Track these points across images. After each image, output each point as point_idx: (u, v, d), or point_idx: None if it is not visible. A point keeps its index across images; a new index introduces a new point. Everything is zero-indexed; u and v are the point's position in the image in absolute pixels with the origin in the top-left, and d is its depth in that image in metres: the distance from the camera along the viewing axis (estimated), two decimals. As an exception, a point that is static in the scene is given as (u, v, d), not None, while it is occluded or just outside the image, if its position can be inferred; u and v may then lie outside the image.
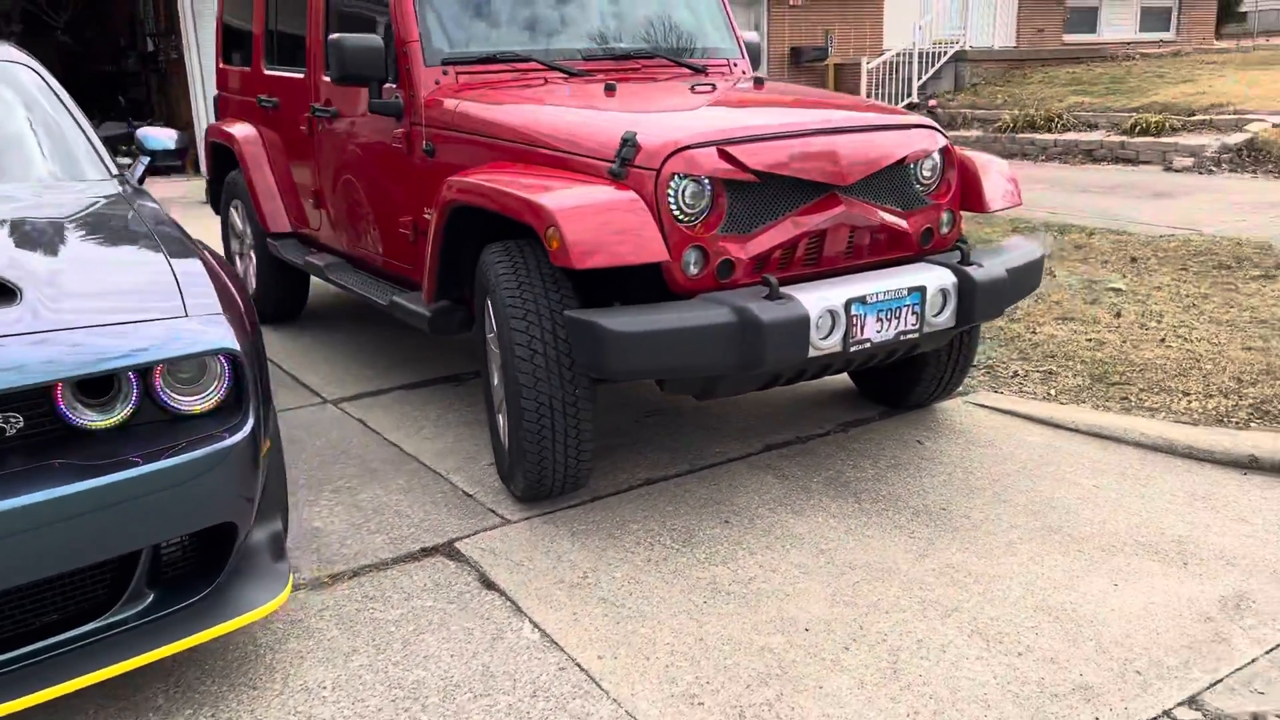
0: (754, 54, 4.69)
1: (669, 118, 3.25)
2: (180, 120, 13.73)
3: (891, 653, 2.57)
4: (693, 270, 3.03)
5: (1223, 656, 2.54)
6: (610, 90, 3.65)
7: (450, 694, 2.43)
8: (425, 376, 4.68)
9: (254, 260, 5.50)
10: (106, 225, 2.77)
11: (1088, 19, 19.66)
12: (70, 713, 2.38)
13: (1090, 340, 4.85)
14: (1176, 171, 10.67)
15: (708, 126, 3.11)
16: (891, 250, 3.38)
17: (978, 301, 3.27)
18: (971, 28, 17.13)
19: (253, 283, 5.58)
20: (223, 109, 5.90)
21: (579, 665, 2.53)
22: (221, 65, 5.89)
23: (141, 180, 3.62)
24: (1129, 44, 18.61)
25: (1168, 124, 11.57)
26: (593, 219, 2.88)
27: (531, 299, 3.07)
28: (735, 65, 4.51)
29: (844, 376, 4.44)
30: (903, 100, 15.26)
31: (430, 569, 2.97)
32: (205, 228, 6.79)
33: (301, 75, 4.79)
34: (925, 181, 3.43)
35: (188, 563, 2.34)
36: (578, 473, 3.22)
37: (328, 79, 4.47)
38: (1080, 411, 4.01)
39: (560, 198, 2.92)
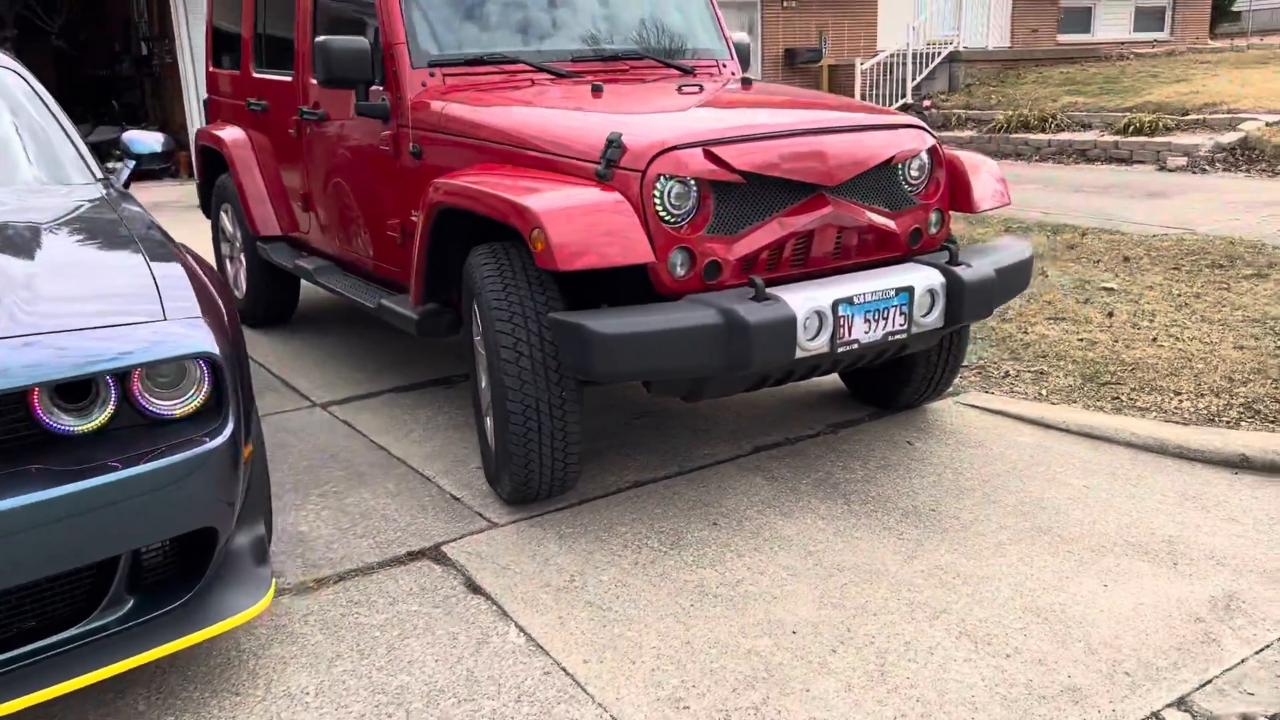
0: (743, 55, 4.68)
1: (655, 119, 3.24)
2: (174, 124, 13.72)
3: (879, 655, 2.55)
4: (679, 271, 3.01)
5: (1212, 657, 2.53)
6: (597, 91, 3.63)
7: (434, 699, 2.41)
8: (415, 379, 4.66)
9: (244, 264, 5.48)
10: (87, 229, 2.75)
11: (1082, 19, 19.69)
12: (50, 720, 2.36)
13: (1082, 340, 4.84)
14: (1170, 171, 10.67)
15: (694, 127, 3.10)
16: (880, 250, 3.36)
17: (966, 302, 3.25)
18: (965, 28, 17.14)
19: (243, 286, 5.56)
20: (213, 112, 5.89)
21: (564, 669, 2.51)
22: (211, 69, 5.88)
23: (127, 184, 3.60)
24: (1123, 44, 18.63)
25: (1161, 123, 11.58)
26: (578, 220, 2.87)
27: (517, 301, 3.05)
28: (724, 66, 4.50)
29: (834, 377, 4.43)
30: (897, 101, 15.27)
31: (416, 573, 2.95)
32: (199, 232, 6.78)
33: (290, 78, 4.77)
34: (913, 181, 3.42)
35: (168, 568, 2.32)
36: (565, 475, 3.20)
37: (315, 82, 4.46)
38: (1071, 411, 4.00)
39: (545, 199, 2.91)
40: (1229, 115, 11.39)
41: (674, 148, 2.99)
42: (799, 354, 3.00)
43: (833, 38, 16.86)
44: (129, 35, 15.18)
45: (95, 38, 16.19)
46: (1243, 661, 2.51)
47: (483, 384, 3.36)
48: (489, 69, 3.93)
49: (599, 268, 2.87)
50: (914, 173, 3.41)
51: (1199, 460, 3.60)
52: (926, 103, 15.01)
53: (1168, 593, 2.81)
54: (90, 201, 3.07)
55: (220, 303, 2.49)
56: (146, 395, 2.19)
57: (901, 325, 3.19)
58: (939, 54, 15.55)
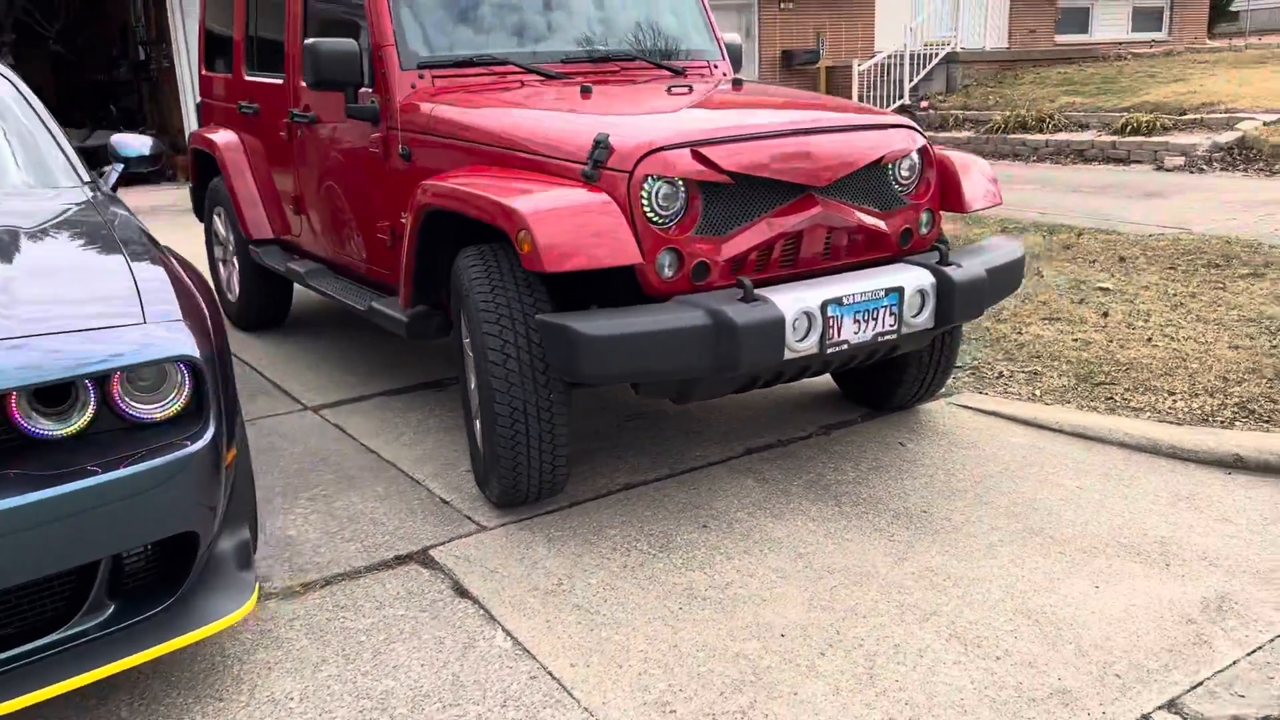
0: (735, 56, 4.66)
1: (643, 119, 3.23)
2: (172, 128, 13.72)
3: (868, 658, 2.54)
4: (667, 273, 3.00)
5: (1203, 659, 2.51)
6: (586, 92, 3.62)
7: (419, 704, 2.39)
8: (407, 382, 4.64)
9: (237, 267, 5.47)
10: (70, 233, 2.74)
11: (1080, 19, 19.68)
12: (33, 727, 2.34)
13: (1076, 340, 4.82)
14: (1168, 171, 10.65)
15: (681, 128, 3.08)
16: (870, 251, 3.35)
17: (957, 302, 3.24)
18: (963, 29, 17.13)
19: (236, 290, 5.55)
20: (206, 115, 5.87)
21: (550, 674, 2.49)
22: (204, 72, 5.87)
23: (115, 187, 3.59)
24: (1121, 44, 18.62)
25: (1159, 123, 11.56)
26: (565, 222, 2.85)
27: (505, 303, 3.04)
28: (716, 67, 4.49)
29: (827, 378, 4.41)
30: (894, 102, 15.26)
31: (403, 577, 2.94)
32: (195, 235, 6.77)
33: (280, 81, 4.76)
34: (903, 181, 3.41)
35: (150, 573, 2.30)
36: (554, 478, 3.18)
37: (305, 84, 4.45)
38: (1064, 412, 3.98)
39: (531, 201, 2.90)
40: (1226, 115, 11.37)
41: (661, 148, 2.98)
42: (788, 355, 2.98)
43: (830, 39, 16.85)
44: (127, 40, 15.17)
45: (93, 42, 16.20)
46: (1234, 663, 2.49)
47: (472, 386, 3.34)
48: (478, 70, 3.91)
49: (586, 269, 2.85)
50: (904, 173, 3.40)
51: (1192, 460, 3.58)
52: (924, 104, 15.00)
53: (1160, 594, 2.79)
54: (76, 205, 3.05)
55: (203, 306, 2.48)
56: (126, 399, 2.17)
57: (891, 326, 3.17)
58: (936, 55, 15.54)
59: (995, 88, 15.04)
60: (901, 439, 3.84)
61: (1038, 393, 4.23)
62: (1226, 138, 10.71)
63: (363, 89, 3.94)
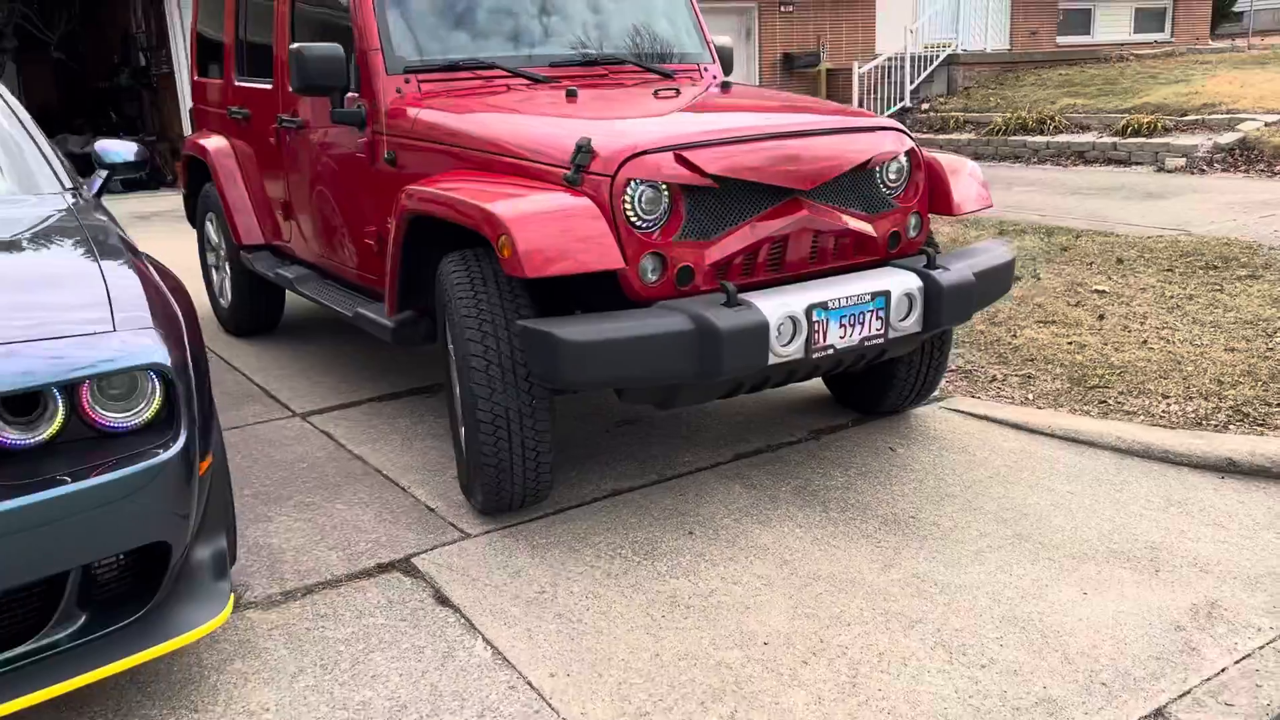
0: (726, 59, 4.64)
1: (626, 123, 3.20)
2: (173, 134, 13.73)
3: (851, 666, 2.51)
4: (650, 277, 2.97)
5: (1192, 667, 2.48)
6: (571, 96, 3.60)
7: (396, 715, 2.37)
8: (398, 388, 4.62)
9: (229, 273, 5.45)
10: (45, 240, 2.72)
11: (1081, 21, 19.63)
12: (5, 738, 2.32)
13: (1071, 343, 4.79)
14: (1168, 172, 10.61)
15: (665, 131, 3.06)
16: (857, 255, 3.32)
17: (945, 306, 3.21)
18: (963, 31, 17.10)
19: (229, 296, 5.54)
20: (199, 121, 5.86)
21: (529, 684, 2.47)
22: (196, 77, 5.86)
23: (99, 194, 3.57)
24: (1123, 45, 18.56)
25: (1160, 125, 11.52)
26: (546, 227, 2.83)
27: (487, 309, 3.01)
28: (706, 70, 4.46)
29: (818, 382, 4.38)
30: (895, 104, 15.23)
31: (384, 585, 2.91)
32: (191, 241, 6.76)
33: (269, 86, 4.75)
34: (891, 184, 3.38)
35: (122, 583, 2.28)
36: (538, 485, 3.16)
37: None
38: (1057, 416, 3.95)
39: (512, 205, 2.87)
40: (1228, 116, 11.33)
41: (644, 152, 2.96)
42: (772, 360, 2.95)
43: (830, 42, 16.83)
44: (128, 46, 15.20)
45: (95, 49, 16.23)
46: (1223, 671, 2.46)
47: (456, 392, 3.32)
48: (464, 75, 3.89)
49: (567, 275, 2.83)
50: (891, 176, 3.37)
51: (1185, 465, 3.54)
52: (924, 105, 14.96)
53: (1148, 600, 2.75)
54: (56, 212, 3.03)
55: (178, 313, 2.45)
56: (96, 407, 2.15)
57: (878, 330, 3.14)
58: (937, 57, 15.50)
59: (996, 90, 15.00)
60: (892, 444, 3.81)
61: (1031, 396, 4.20)
62: (1228, 139, 10.66)
63: (349, 94, 3.92)
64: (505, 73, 3.94)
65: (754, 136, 3.11)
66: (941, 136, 13.60)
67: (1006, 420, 3.94)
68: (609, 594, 2.85)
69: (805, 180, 3.14)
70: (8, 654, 2.13)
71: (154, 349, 2.17)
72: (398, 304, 3.61)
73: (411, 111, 3.69)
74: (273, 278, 4.85)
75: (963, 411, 4.08)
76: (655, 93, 3.81)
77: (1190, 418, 3.88)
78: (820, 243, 3.22)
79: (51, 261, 2.56)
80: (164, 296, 2.47)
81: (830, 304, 3.03)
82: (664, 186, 2.96)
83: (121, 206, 11.20)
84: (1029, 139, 12.39)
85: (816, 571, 2.94)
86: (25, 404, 2.11)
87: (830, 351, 3.07)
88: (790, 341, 2.97)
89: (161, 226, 9.70)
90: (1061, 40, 19.03)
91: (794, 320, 2.96)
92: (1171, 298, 5.49)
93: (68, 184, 3.37)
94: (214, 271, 5.75)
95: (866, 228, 3.30)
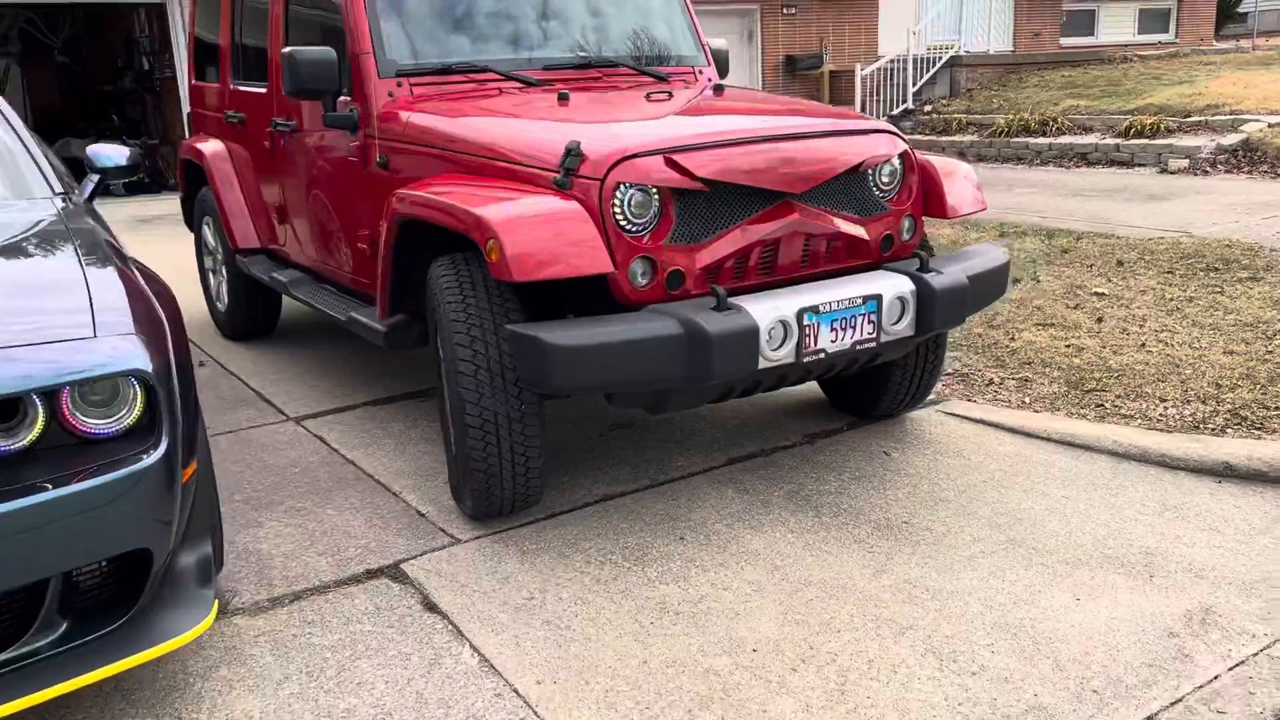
0: (721, 61, 4.62)
1: (617, 126, 3.19)
2: (175, 137, 13.75)
3: (840, 674, 2.48)
4: (640, 281, 2.96)
5: (1184, 674, 2.45)
6: (563, 99, 3.58)
7: (380, 722, 2.35)
8: (393, 392, 4.61)
9: (225, 277, 5.45)
10: (31, 246, 2.71)
11: (1085, 22, 19.59)
12: (-12, 746, 2.31)
13: (1069, 346, 4.76)
14: (1171, 173, 10.57)
15: (655, 134, 3.04)
16: (850, 258, 3.30)
17: (938, 309, 3.18)
18: (966, 33, 17.07)
19: (225, 299, 5.53)
20: (196, 125, 5.86)
21: (516, 691, 2.45)
22: (193, 81, 5.86)
23: (91, 198, 3.56)
24: (1127, 46, 18.51)
25: (1163, 126, 11.48)
26: (534, 230, 2.81)
27: (475, 313, 3.00)
28: (701, 73, 4.45)
29: (814, 386, 4.36)
30: (898, 106, 15.20)
31: (373, 592, 2.89)
32: (189, 245, 6.76)
33: (264, 90, 4.74)
34: (884, 187, 3.36)
35: (104, 590, 2.27)
36: (528, 490, 3.14)
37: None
38: (1053, 420, 3.92)
39: (500, 209, 2.86)
40: (1231, 117, 11.28)
41: (634, 155, 2.94)
42: (763, 364, 2.94)
43: (833, 44, 16.81)
44: (131, 50, 15.24)
45: (98, 53, 16.27)
46: (1216, 678, 2.44)
47: (446, 397, 3.30)
48: (457, 78, 3.88)
49: (555, 279, 2.81)
50: (885, 179, 3.35)
51: (1182, 469, 3.52)
52: (927, 107, 14.93)
53: (1142, 606, 2.73)
54: (46, 216, 3.02)
55: (163, 318, 2.44)
56: (77, 414, 2.14)
57: (870, 334, 3.12)
58: (940, 59, 15.46)
59: (999, 91, 14.96)
60: (886, 448, 3.79)
61: (1027, 400, 4.18)
62: (1231, 140, 10.62)
63: (342, 97, 3.91)
64: (498, 76, 3.93)
65: (745, 139, 3.09)
66: (944, 138, 13.57)
67: (1002, 424, 3.92)
68: (598, 600, 2.83)
69: (797, 183, 3.12)
70: (-12, 662, 2.11)
71: (135, 354, 2.15)
72: (390, 308, 3.59)
73: (403, 115, 3.68)
74: (268, 281, 4.85)
75: (959, 415, 4.05)
76: (648, 96, 3.80)
77: (1188, 421, 3.85)
78: (812, 246, 3.20)
79: (34, 267, 2.55)
80: (148, 301, 2.46)
81: (821, 308, 3.01)
82: (654, 190, 2.94)
83: (124, 210, 11.22)
84: (1031, 141, 12.35)
85: (807, 577, 2.91)
86: (4, 410, 2.10)
87: (821, 356, 3.05)
88: (781, 346, 2.95)
89: (163, 229, 9.71)
90: (1065, 42, 18.99)
91: (785, 324, 2.94)
92: (1171, 300, 5.45)
93: (58, 188, 3.36)
94: (211, 275, 5.75)
95: (859, 231, 3.28)
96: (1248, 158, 10.37)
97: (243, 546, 3.18)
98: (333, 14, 4.05)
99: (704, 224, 3.03)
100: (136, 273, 2.65)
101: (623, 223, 2.91)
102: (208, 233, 5.64)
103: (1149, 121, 11.57)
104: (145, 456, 2.16)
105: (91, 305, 2.27)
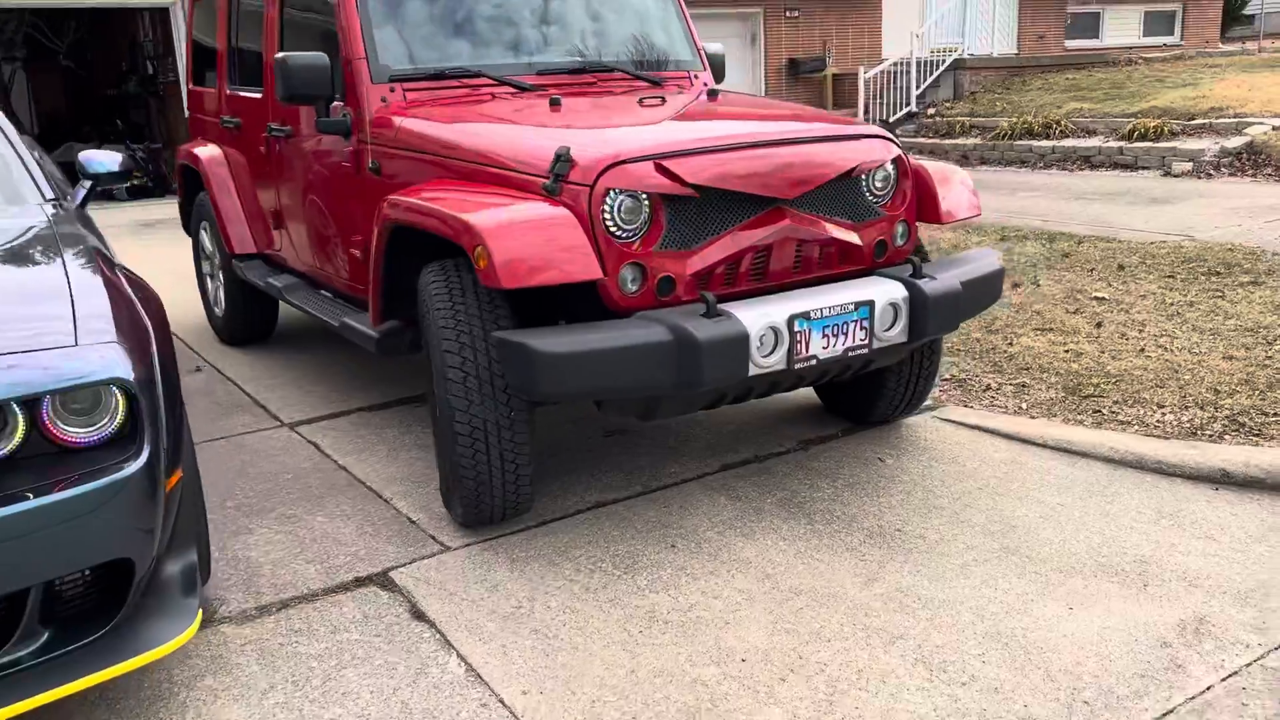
0: (717, 66, 4.61)
1: (607, 132, 3.17)
2: (178, 141, 13.78)
3: (829, 684, 2.46)
4: (630, 288, 2.94)
5: (1177, 685, 2.43)
6: (555, 105, 3.57)
7: (365, 733, 2.34)
8: (388, 398, 4.60)
9: (223, 282, 5.44)
10: (16, 253, 2.70)
11: (1090, 24, 19.55)
12: (-30, 756, 2.30)
13: (1068, 351, 4.73)
14: (1175, 176, 10.53)
15: (645, 140, 3.03)
16: (843, 264, 3.28)
17: (931, 315, 3.16)
18: (970, 36, 17.04)
19: (223, 304, 5.53)
20: (195, 130, 5.87)
21: (501, 701, 2.43)
22: (192, 86, 5.86)
23: (83, 204, 3.56)
24: (1132, 49, 18.47)
25: (1167, 129, 11.43)
26: (523, 237, 2.80)
27: (464, 319, 2.98)
28: (696, 78, 4.43)
29: (809, 392, 4.34)
30: (901, 109, 15.17)
31: (361, 600, 2.88)
32: (189, 250, 6.76)
33: (260, 95, 4.74)
34: (877, 193, 3.34)
35: (86, 599, 2.26)
36: (517, 498, 3.12)
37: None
38: (1049, 426, 3.89)
39: (489, 216, 2.84)
40: (1235, 120, 11.23)
41: (624, 161, 2.93)
42: (754, 371, 2.92)
43: (836, 47, 16.79)
44: (135, 55, 15.27)
45: (103, 57, 16.32)
46: (1209, 689, 2.41)
47: (436, 403, 3.29)
48: (450, 84, 3.87)
49: (544, 285, 2.80)
50: (878, 184, 3.33)
51: (1178, 476, 3.49)
52: (930, 110, 14.90)
53: (1135, 616, 2.70)
54: (35, 223, 3.02)
55: (148, 325, 2.43)
56: (58, 422, 2.13)
57: (863, 340, 3.10)
58: (943, 62, 15.43)
59: (1003, 94, 14.93)
60: (881, 454, 3.77)
61: (1024, 405, 4.15)
62: (1235, 143, 10.57)
63: (335, 103, 3.90)
64: (491, 81, 3.92)
65: (736, 145, 3.08)
66: (947, 141, 13.53)
67: (999, 430, 3.89)
68: (587, 609, 2.81)
69: (789, 189, 3.10)
70: (-32, 672, 2.10)
71: (116, 363, 2.14)
72: (382, 313, 3.58)
73: (396, 120, 3.67)
74: (263, 287, 4.84)
75: (955, 421, 4.03)
76: (640, 101, 3.78)
77: (1185, 428, 3.82)
78: (804, 252, 3.18)
79: (18, 274, 2.54)
80: (133, 309, 2.45)
81: (813, 314, 2.99)
82: (644, 196, 2.92)
83: (126, 214, 11.25)
84: (1035, 144, 12.32)
85: (798, 586, 2.89)
86: (-16, 419, 2.09)
87: (813, 362, 3.03)
88: (772, 352, 2.93)
89: (165, 234, 9.73)
90: (1069, 44, 18.95)
91: (775, 331, 2.92)
92: (1171, 304, 5.42)
93: (49, 195, 3.36)
94: (209, 280, 5.74)
95: (852, 236, 3.26)
96: (1252, 161, 10.33)
97: (232, 554, 3.16)
98: (327, 19, 4.05)
99: (695, 230, 3.01)
100: (123, 279, 2.65)
101: (613, 229, 2.90)
102: (205, 238, 5.64)
103: (1153, 124, 11.53)
104: (127, 465, 2.15)
105: (74, 313, 2.26)
